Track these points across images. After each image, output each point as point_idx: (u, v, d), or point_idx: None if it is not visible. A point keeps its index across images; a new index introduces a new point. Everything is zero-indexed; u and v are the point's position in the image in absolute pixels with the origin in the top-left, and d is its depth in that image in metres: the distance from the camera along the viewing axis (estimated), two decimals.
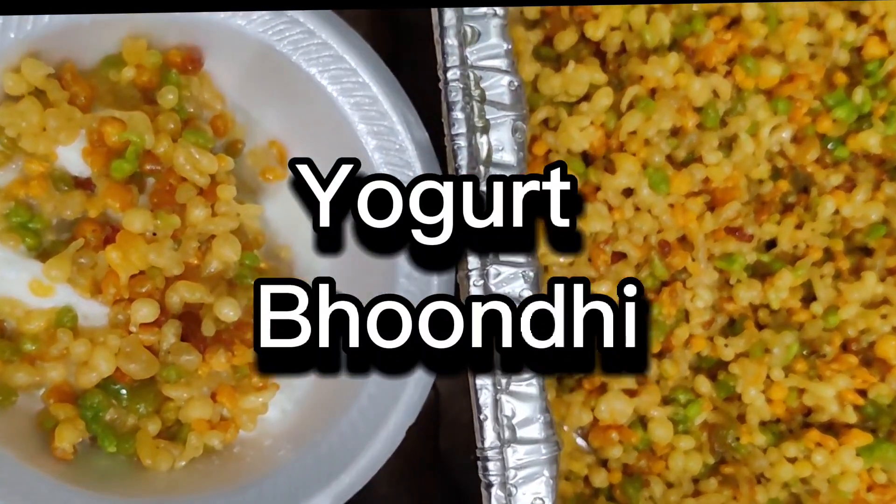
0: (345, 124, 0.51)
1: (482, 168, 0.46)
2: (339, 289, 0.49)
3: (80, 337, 0.48)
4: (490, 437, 0.45)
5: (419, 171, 0.50)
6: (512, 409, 0.46)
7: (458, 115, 0.46)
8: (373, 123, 0.50)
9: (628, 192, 0.54)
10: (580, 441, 0.56)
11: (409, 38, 0.61)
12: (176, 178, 0.49)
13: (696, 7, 0.56)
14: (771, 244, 0.57)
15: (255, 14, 0.49)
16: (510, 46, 0.47)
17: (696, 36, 0.55)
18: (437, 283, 0.50)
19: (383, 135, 0.50)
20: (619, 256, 0.55)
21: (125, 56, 0.50)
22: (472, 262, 0.46)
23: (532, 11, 0.57)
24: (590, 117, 0.54)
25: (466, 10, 0.46)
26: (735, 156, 0.55)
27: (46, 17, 0.47)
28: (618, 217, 0.54)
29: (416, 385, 0.50)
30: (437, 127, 0.50)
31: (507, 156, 0.46)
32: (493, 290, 0.46)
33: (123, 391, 0.48)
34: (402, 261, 0.49)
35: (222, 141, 0.53)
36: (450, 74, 0.46)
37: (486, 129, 0.46)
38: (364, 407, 0.50)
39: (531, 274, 0.46)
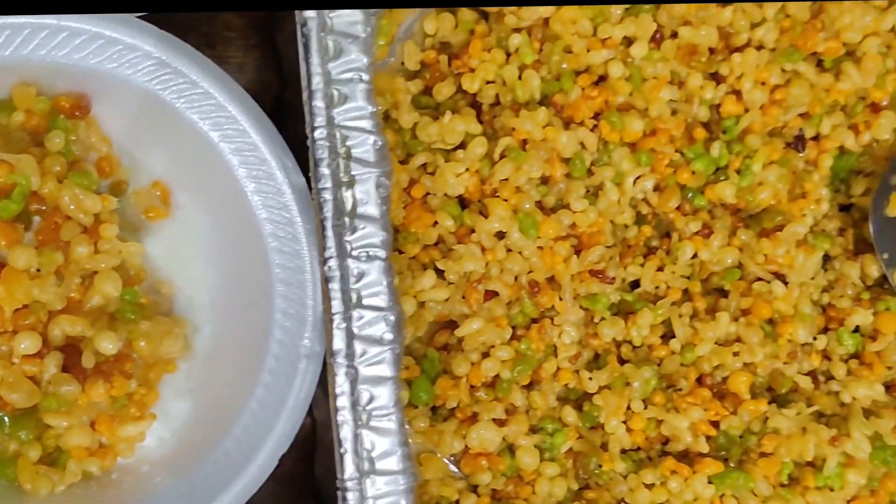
0: (225, 168, 0.53)
1: (347, 219, 0.50)
2: (215, 328, 0.55)
3: None
4: (349, 469, 0.49)
5: (296, 214, 0.53)
6: (371, 442, 0.49)
7: (325, 170, 0.49)
8: (252, 168, 0.53)
9: (501, 235, 0.57)
10: (452, 467, 0.58)
11: (293, 85, 0.64)
12: (61, 217, 0.51)
13: (564, 65, 0.60)
14: (634, 284, 0.60)
15: (142, 64, 0.52)
16: (375, 109, 0.51)
17: (565, 92, 0.58)
18: (311, 320, 0.53)
19: (262, 179, 0.53)
20: (492, 294, 0.58)
21: (15, 101, 0.52)
22: (336, 306, 0.48)
23: (412, 63, 0.61)
24: (465, 164, 0.57)
25: (334, 74, 0.50)
26: (600, 203, 0.58)
27: None
28: (490, 258, 0.57)
29: (289, 417, 0.53)
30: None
31: (370, 209, 0.50)
32: (357, 332, 0.49)
33: (5, 419, 0.50)
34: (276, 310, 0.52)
35: (107, 181, 0.55)
36: (316, 133, 0.49)
37: (351, 184, 0.49)
38: (239, 437, 0.53)
39: (392, 318, 0.50)
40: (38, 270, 0.50)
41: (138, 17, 0.52)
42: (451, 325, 0.58)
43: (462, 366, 0.57)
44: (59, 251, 0.50)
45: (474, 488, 0.58)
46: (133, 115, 0.54)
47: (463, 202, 0.58)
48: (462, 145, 0.57)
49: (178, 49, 0.52)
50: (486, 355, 0.58)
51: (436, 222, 0.57)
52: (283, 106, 0.60)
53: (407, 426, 0.52)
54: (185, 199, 0.57)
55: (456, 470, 0.59)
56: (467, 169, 0.57)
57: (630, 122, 0.58)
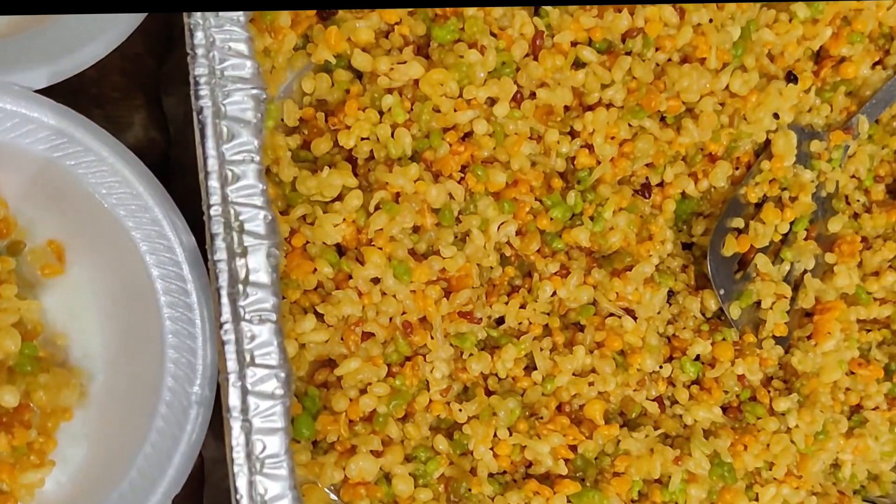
0: (119, 228, 0.59)
1: (241, 286, 0.57)
2: (109, 376, 0.60)
3: None
4: None
5: (187, 271, 0.59)
6: (265, 487, 0.56)
7: (220, 243, 0.55)
8: (144, 228, 0.59)
9: (376, 280, 0.63)
10: (333, 496, 0.64)
11: (180, 143, 0.72)
12: None
13: (434, 123, 0.69)
14: (500, 320, 0.68)
15: (39, 133, 0.58)
16: (265, 187, 0.59)
17: (434, 148, 0.65)
18: (200, 368, 0.61)
19: (154, 238, 0.59)
20: (368, 335, 0.64)
21: None
22: (231, 366, 0.56)
23: (291, 119, 0.69)
24: (342, 215, 0.63)
25: (228, 155, 0.57)
26: (468, 249, 0.65)
27: None
28: (367, 302, 0.63)
29: (182, 460, 0.59)
30: (203, 227, 0.60)
31: (262, 276, 0.56)
32: (250, 388, 0.56)
33: None
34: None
35: (4, 241, 0.60)
36: (212, 210, 0.55)
37: (244, 254, 0.55)
38: (134, 480, 0.58)
39: (282, 375, 0.58)
40: None
41: (35, 91, 0.58)
42: (331, 363, 0.65)
43: (341, 402, 0.63)
44: None
45: None
46: (30, 179, 0.59)
47: (340, 250, 0.64)
48: (339, 197, 0.63)
49: (74, 119, 0.57)
50: (363, 392, 0.64)
51: (315, 269, 0.63)
52: (170, 163, 0.65)
53: None
54: (80, 256, 0.63)
55: (336, 498, 0.64)
56: (344, 219, 0.63)
57: (494, 174, 0.66)
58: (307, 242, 0.64)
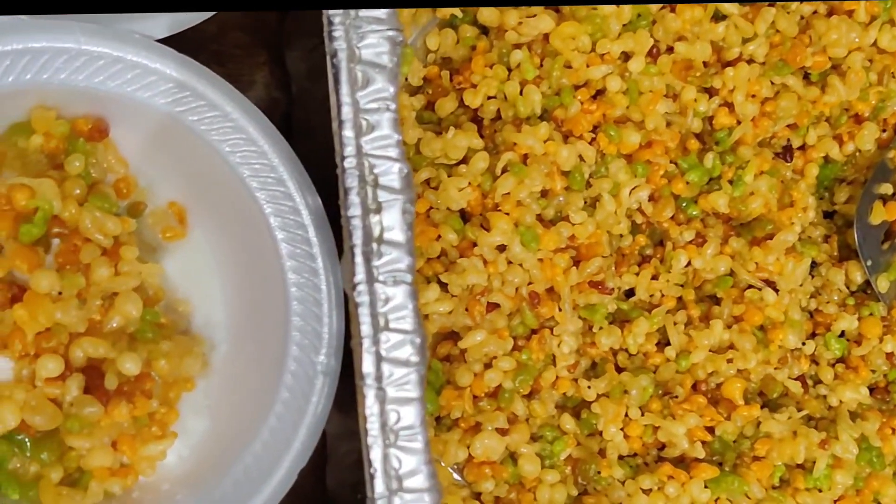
0: (242, 189, 0.57)
1: (375, 245, 0.53)
2: (232, 346, 0.60)
3: None
4: (379, 487, 0.54)
5: (312, 234, 0.58)
6: (399, 461, 0.54)
7: (354, 198, 0.52)
8: (269, 189, 0.57)
9: (502, 248, 0.61)
10: (456, 476, 0.63)
11: (303, 104, 0.70)
12: (81, 240, 0.54)
13: (564, 80, 0.63)
14: (629, 293, 0.66)
15: (161, 86, 0.57)
16: (400, 137, 0.56)
17: (565, 107, 0.63)
18: (326, 337, 0.59)
19: (279, 199, 0.57)
20: (494, 306, 0.62)
21: (34, 124, 0.55)
22: (365, 330, 0.55)
23: (415, 78, 0.67)
24: (467, 179, 0.61)
25: (362, 104, 0.55)
26: (598, 214, 0.63)
27: None
28: (492, 271, 0.61)
29: (308, 432, 0.57)
30: (328, 190, 0.57)
31: (397, 234, 0.54)
32: (384, 355, 0.54)
33: (27, 441, 0.54)
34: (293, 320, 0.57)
35: (125, 202, 0.59)
36: (346, 162, 0.53)
37: (378, 211, 0.53)
38: (258, 453, 0.57)
39: (417, 340, 0.53)
40: (60, 294, 0.53)
41: (157, 40, 0.57)
42: (454, 336, 0.63)
43: (465, 377, 0.61)
44: (80, 274, 0.54)
45: (478, 496, 0.63)
46: (150, 136, 0.57)
47: (465, 216, 0.63)
48: (464, 160, 0.62)
49: (197, 71, 0.56)
50: (488, 366, 0.62)
51: (439, 236, 0.62)
52: (292, 125, 0.64)
53: None
54: (202, 219, 0.61)
55: (460, 478, 0.63)
56: (469, 183, 0.61)
57: (627, 134, 0.63)
58: (430, 208, 0.63)
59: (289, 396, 0.57)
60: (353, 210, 0.53)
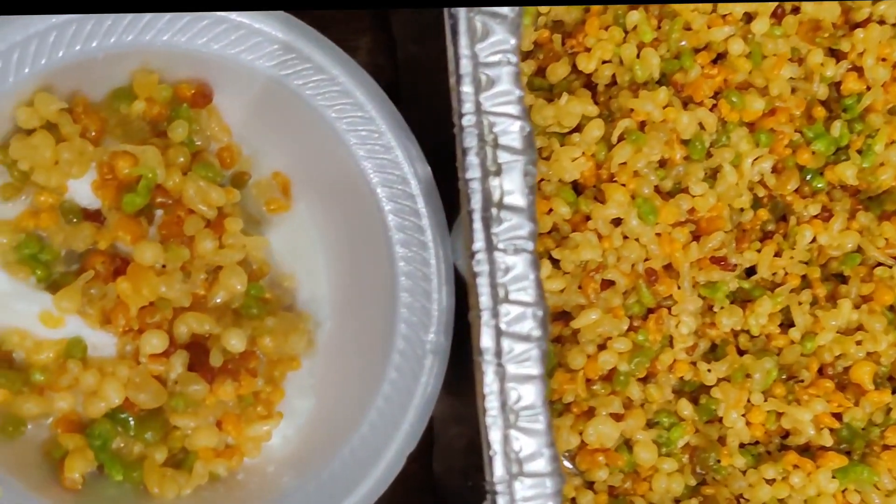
0: (349, 157, 0.56)
1: (494, 210, 0.51)
2: (338, 323, 0.58)
3: (89, 367, 0.52)
4: (499, 471, 0.51)
5: (421, 205, 0.56)
6: (520, 443, 0.50)
7: (473, 159, 0.50)
8: (377, 157, 0.55)
9: (617, 222, 0.59)
10: (567, 463, 0.61)
11: (409, 71, 0.68)
12: (185, 211, 0.53)
13: (684, 42, 0.62)
14: (750, 271, 0.63)
15: (266, 48, 0.55)
16: (522, 93, 0.52)
17: (685, 71, 0.61)
18: (436, 314, 0.56)
19: (387, 168, 0.55)
20: (608, 284, 0.60)
21: (136, 89, 0.54)
22: (484, 301, 0.52)
23: (525, 43, 0.64)
24: (581, 148, 0.59)
25: (481, 58, 0.53)
26: (719, 186, 0.61)
27: (60, 51, 0.52)
28: (607, 246, 0.59)
29: (417, 414, 0.55)
30: (436, 160, 0.56)
31: (517, 199, 0.51)
32: (504, 329, 0.52)
33: (131, 420, 0.53)
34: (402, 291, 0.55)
35: (229, 172, 0.58)
36: (465, 121, 0.51)
37: (498, 173, 0.51)
38: (365, 435, 0.55)
39: (539, 313, 0.51)
40: (163, 267, 0.53)
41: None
42: (566, 316, 0.61)
43: (578, 358, 0.60)
44: (184, 246, 0.53)
45: (590, 485, 0.61)
46: (254, 102, 0.56)
47: (578, 188, 0.61)
48: (578, 128, 0.60)
49: (303, 32, 0.54)
50: (602, 347, 0.60)
51: (550, 209, 0.60)
52: (399, 93, 0.62)
53: None
54: (306, 191, 0.60)
55: (571, 466, 0.61)
56: (583, 153, 0.59)
57: (750, 101, 0.61)
58: (542, 179, 0.61)
59: (397, 376, 0.56)
60: (472, 172, 0.51)
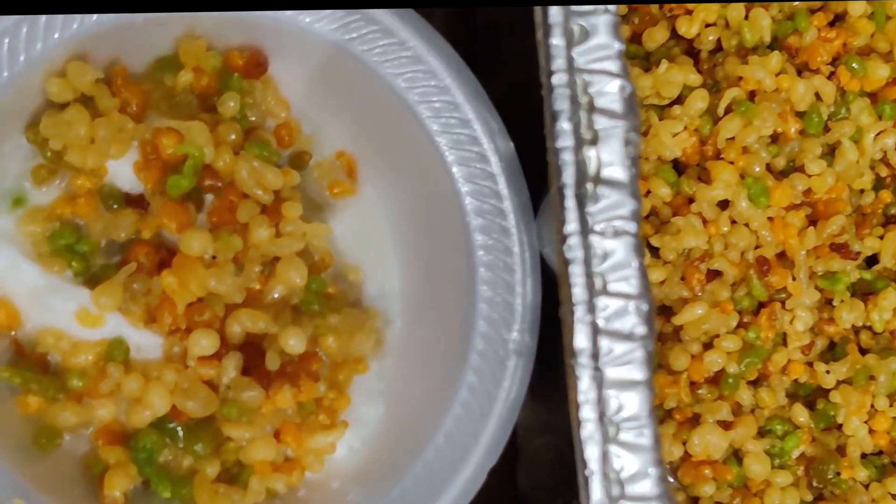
0: (422, 133, 0.52)
1: (590, 186, 0.46)
2: (409, 321, 0.55)
3: (132, 371, 0.49)
4: (597, 494, 0.46)
5: (503, 185, 0.51)
6: (621, 462, 0.46)
7: (564, 125, 0.45)
8: (453, 132, 0.51)
9: (724, 205, 0.55)
10: (669, 477, 0.55)
11: (488, 38, 0.63)
12: (237, 195, 0.50)
13: (797, 2, 0.57)
14: (871, 260, 0.58)
15: (327, 10, 0.51)
16: (622, 47, 0.46)
17: (799, 34, 0.56)
18: (520, 310, 0.52)
19: (464, 145, 0.51)
20: (714, 275, 0.55)
21: (182, 58, 0.51)
22: (579, 294, 0.46)
23: (619, 6, 0.59)
24: (683, 122, 0.55)
25: (574, 7, 0.47)
26: (838, 164, 0.56)
27: (94, 15, 0.48)
28: (713, 232, 0.55)
29: (499, 423, 0.51)
30: (520, 136, 0.52)
31: (617, 172, 0.46)
32: (602, 326, 0.46)
33: (179, 430, 0.50)
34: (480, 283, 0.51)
35: (287, 152, 0.54)
36: (555, 79, 0.46)
37: (594, 142, 0.46)
38: (441, 446, 0.51)
39: (644, 307, 0.46)
40: (213, 258, 0.49)
41: None
42: (667, 310, 0.56)
43: (681, 359, 0.55)
44: (236, 235, 0.49)
45: (695, 501, 0.56)
46: (314, 72, 0.52)
47: (679, 167, 0.57)
48: (679, 99, 0.55)
49: None
50: (708, 346, 0.55)
51: (648, 191, 0.55)
52: (476, 62, 0.57)
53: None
54: (374, 172, 0.56)
55: (673, 480, 0.56)
56: (685, 127, 0.55)
57: (872, 68, 0.56)
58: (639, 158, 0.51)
59: (476, 381, 0.52)
60: (563, 141, 0.46)
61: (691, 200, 0.55)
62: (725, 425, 0.55)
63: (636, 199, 0.47)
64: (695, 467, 0.55)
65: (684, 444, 0.55)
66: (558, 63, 0.45)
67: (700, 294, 0.55)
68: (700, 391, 0.56)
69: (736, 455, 0.56)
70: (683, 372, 0.55)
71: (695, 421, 0.55)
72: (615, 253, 0.46)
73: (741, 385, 0.56)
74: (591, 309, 0.46)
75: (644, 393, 0.46)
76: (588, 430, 0.46)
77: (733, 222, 0.55)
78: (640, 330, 0.46)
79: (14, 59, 0.46)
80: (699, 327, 0.55)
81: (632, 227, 0.46)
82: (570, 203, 0.46)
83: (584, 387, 0.46)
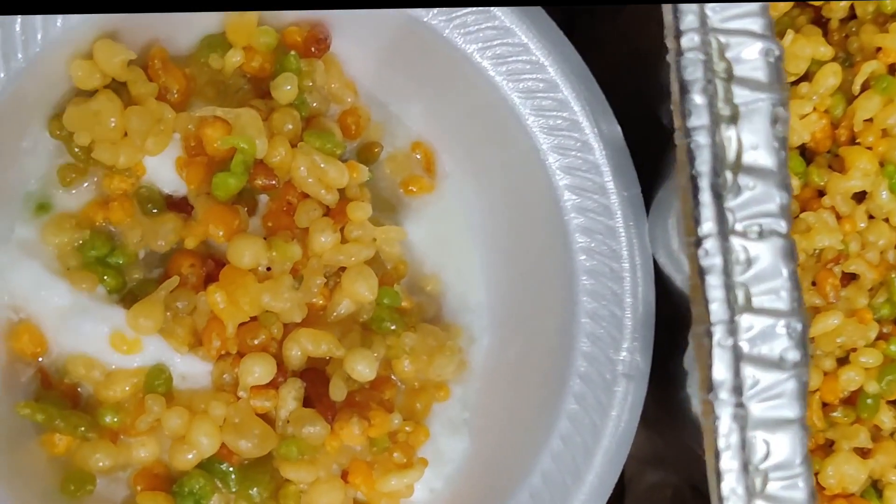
0: (511, 118, 0.47)
1: (728, 175, 0.41)
2: (497, 339, 0.51)
3: (175, 404, 0.46)
4: None
5: (608, 177, 0.47)
6: None
7: (697, 99, 0.40)
8: (547, 115, 0.47)
9: (861, 197, 0.51)
10: None
11: (581, 12, 0.59)
12: (295, 195, 0.47)
13: None
14: None
15: None
16: (767, 2, 0.42)
17: None
18: (630, 325, 0.47)
19: (562, 130, 0.47)
20: (850, 278, 0.51)
21: (229, 36, 0.47)
22: (717, 311, 0.40)
23: None
24: (812, 102, 0.50)
25: None
26: None
27: None
28: (848, 228, 0.51)
29: (606, 460, 0.47)
30: (627, 119, 0.47)
31: (762, 157, 0.41)
32: (746, 351, 0.40)
33: (231, 472, 0.46)
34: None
35: (354, 144, 0.51)
36: (685, 41, 0.40)
37: (733, 119, 0.41)
38: (537, 487, 0.47)
39: (797, 327, 0.40)
40: (269, 270, 0.46)
41: None
42: None
43: (813, 377, 0.50)
44: (295, 242, 0.46)
45: None
46: (384, 49, 0.49)
47: (807, 154, 0.52)
48: (805, 76, 0.51)
49: None
50: (843, 361, 0.51)
51: None
52: (573, 36, 0.53)
53: None
54: (455, 165, 0.52)
55: None
56: (815, 108, 0.51)
57: None
58: None
59: (578, 409, 0.48)
60: (696, 118, 0.40)
61: (822, 193, 0.51)
62: (863, 453, 0.51)
63: (786, 190, 0.41)
64: (829, 501, 0.51)
65: (816, 475, 0.50)
66: (689, 21, 0.40)
67: (834, 301, 0.51)
68: (834, 414, 0.51)
69: (875, 487, 0.52)
70: (815, 392, 0.51)
71: (828, 448, 0.51)
72: (760, 258, 0.41)
73: (881, 406, 0.52)
74: (732, 330, 0.40)
75: (797, 434, 0.40)
76: (729, 483, 0.40)
77: (871, 217, 0.51)
78: (793, 355, 0.40)
79: (30, 38, 0.43)
80: (833, 340, 0.51)
81: (781, 225, 0.41)
82: (706, 197, 0.40)
83: (725, 429, 0.40)
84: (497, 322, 0.52)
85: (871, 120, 0.50)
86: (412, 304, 0.50)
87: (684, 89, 0.40)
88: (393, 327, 0.48)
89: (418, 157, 0.52)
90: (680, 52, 0.40)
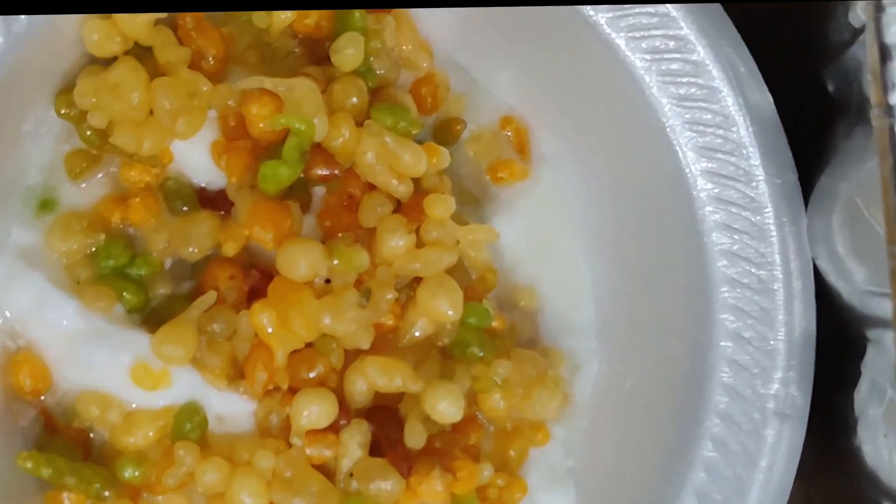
0: (629, 84, 0.40)
1: None
2: (609, 365, 0.44)
3: (211, 454, 0.39)
4: None
5: (755, 160, 0.39)
6: None
7: None
8: (677, 81, 0.39)
9: None
10: None
11: None
12: (360, 186, 0.40)
13: None
14: None
15: None
16: None
17: None
18: (784, 350, 0.39)
19: (696, 101, 0.39)
20: None
21: None
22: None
23: None
24: None
25: None
26: None
27: None
28: None
29: None
30: (779, 88, 0.40)
31: None
32: None
33: None
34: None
35: (430, 119, 0.44)
36: None
37: None
38: None
39: None
40: (327, 282, 0.39)
41: None
42: None
43: None
44: (359, 246, 0.39)
45: None
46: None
47: None
48: None
49: None
50: None
51: None
52: None
53: None
54: (554, 145, 0.45)
55: None
56: None
57: None
58: None
59: (717, 458, 0.40)
60: None
61: None
62: None
63: None
64: None
65: None
66: None
67: None
68: None
69: None
70: None
71: None
72: None
73: None
74: None
75: None
76: None
77: None
78: None
79: None
80: None
81: None
82: None
83: None
84: (609, 346, 0.45)
85: None
86: (504, 323, 0.43)
87: (886, 55, 0.33)
88: (481, 354, 0.41)
89: (509, 135, 0.45)
90: (881, 7, 0.33)
